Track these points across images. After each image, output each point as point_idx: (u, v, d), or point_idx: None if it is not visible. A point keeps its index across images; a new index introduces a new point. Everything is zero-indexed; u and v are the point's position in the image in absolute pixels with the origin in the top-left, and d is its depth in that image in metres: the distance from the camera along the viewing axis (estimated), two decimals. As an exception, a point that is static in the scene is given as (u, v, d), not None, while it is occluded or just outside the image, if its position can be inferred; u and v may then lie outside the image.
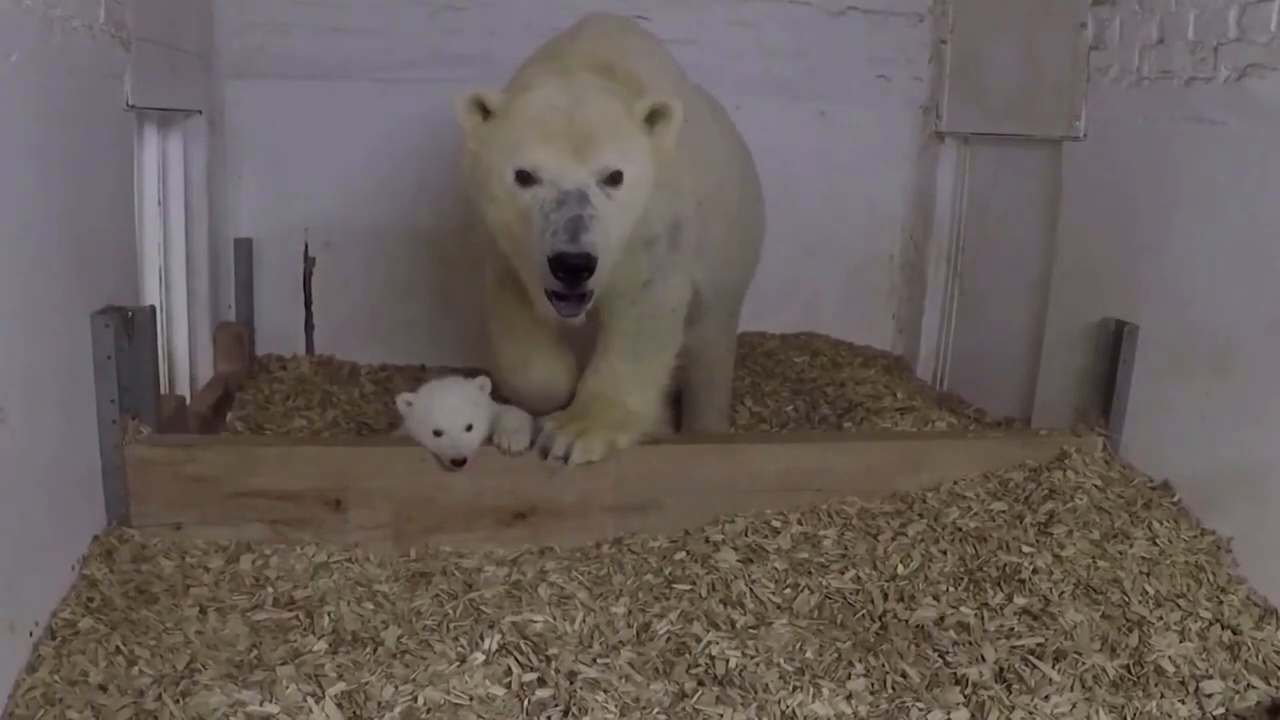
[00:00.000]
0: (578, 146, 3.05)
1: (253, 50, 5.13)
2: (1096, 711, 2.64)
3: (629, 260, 3.48)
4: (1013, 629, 2.95)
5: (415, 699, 2.55)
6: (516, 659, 2.74)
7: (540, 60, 3.46)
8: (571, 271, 2.98)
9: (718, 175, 3.81)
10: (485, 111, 3.17)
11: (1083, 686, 2.72)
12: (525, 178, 3.06)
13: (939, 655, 2.85)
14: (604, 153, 3.08)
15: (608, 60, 3.34)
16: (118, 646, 2.71)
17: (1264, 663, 2.85)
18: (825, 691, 2.67)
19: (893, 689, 2.72)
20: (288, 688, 2.53)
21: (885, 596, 3.14)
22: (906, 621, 3.02)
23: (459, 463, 3.36)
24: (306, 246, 5.47)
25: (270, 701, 2.49)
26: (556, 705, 2.58)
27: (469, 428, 3.37)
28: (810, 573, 3.26)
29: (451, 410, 3.38)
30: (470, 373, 3.68)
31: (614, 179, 3.10)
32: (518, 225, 3.13)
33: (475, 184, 3.23)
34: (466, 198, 3.38)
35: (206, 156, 4.71)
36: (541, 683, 2.67)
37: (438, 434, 3.37)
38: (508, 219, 3.16)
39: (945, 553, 3.34)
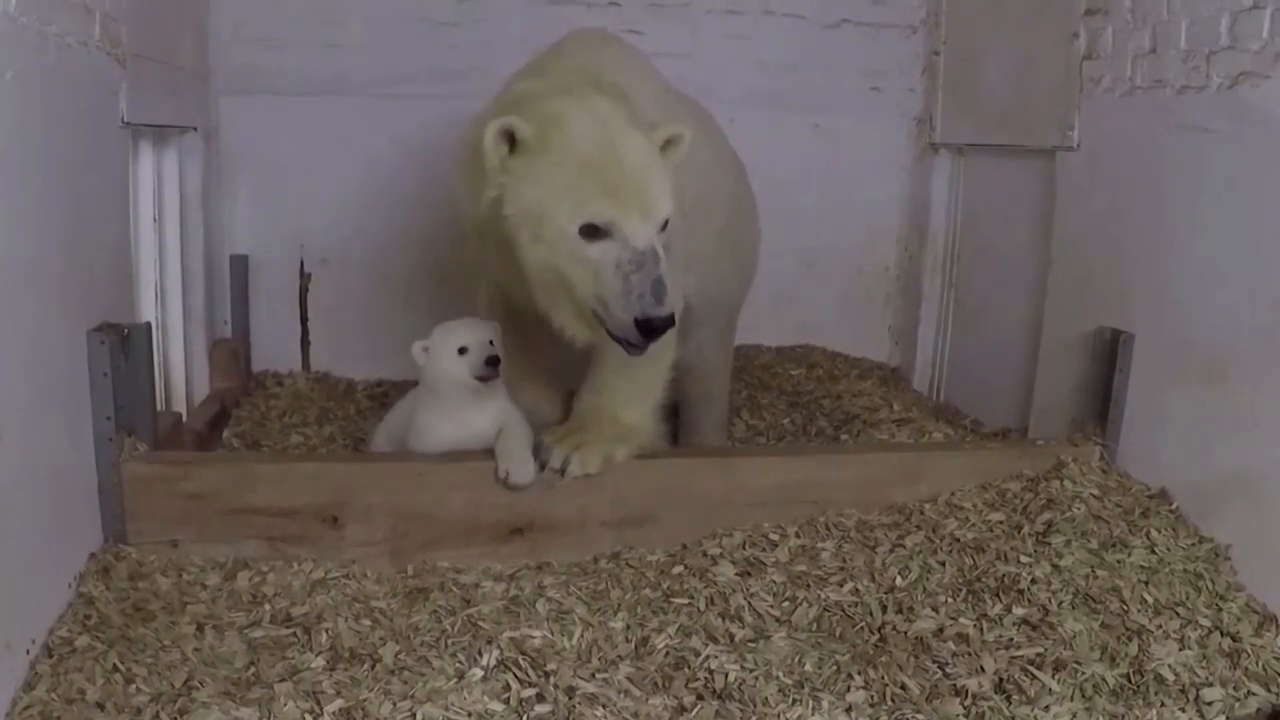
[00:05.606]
0: (640, 200, 3.04)
1: (248, 66, 5.14)
2: (1097, 721, 2.64)
3: None
4: (1012, 639, 2.95)
5: (414, 715, 2.53)
6: (515, 674, 2.73)
7: (526, 75, 3.46)
8: (658, 332, 3.03)
9: (703, 185, 3.81)
10: (512, 141, 3.08)
11: (1083, 696, 2.72)
12: (594, 231, 3.02)
13: (938, 666, 2.85)
14: (662, 205, 3.09)
15: (595, 75, 3.34)
16: (115, 664, 2.70)
17: (1264, 669, 2.85)
18: (825, 704, 2.66)
19: (892, 701, 2.71)
20: (285, 705, 2.52)
21: (884, 608, 3.14)
22: (905, 633, 3.01)
23: (493, 362, 3.38)
24: (302, 263, 5.47)
25: (269, 719, 2.48)
26: (555, 720, 2.58)
27: (490, 342, 3.42)
28: (808, 585, 3.25)
29: (471, 326, 3.47)
30: None
31: (664, 225, 3.12)
32: (579, 274, 3.07)
33: (511, 221, 3.11)
34: (481, 224, 3.27)
35: (202, 173, 4.71)
36: (540, 698, 2.66)
37: (463, 352, 3.40)
38: (563, 265, 3.08)
39: (943, 564, 3.34)
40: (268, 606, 3.11)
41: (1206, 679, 2.79)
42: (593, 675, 2.77)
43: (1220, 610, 3.08)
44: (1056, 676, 2.77)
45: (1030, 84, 4.56)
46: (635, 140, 3.10)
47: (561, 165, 3.03)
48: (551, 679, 2.72)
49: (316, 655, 2.82)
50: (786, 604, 3.17)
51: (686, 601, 3.18)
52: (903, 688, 2.76)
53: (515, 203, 3.08)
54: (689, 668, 2.83)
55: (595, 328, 3.18)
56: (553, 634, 2.94)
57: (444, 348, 3.45)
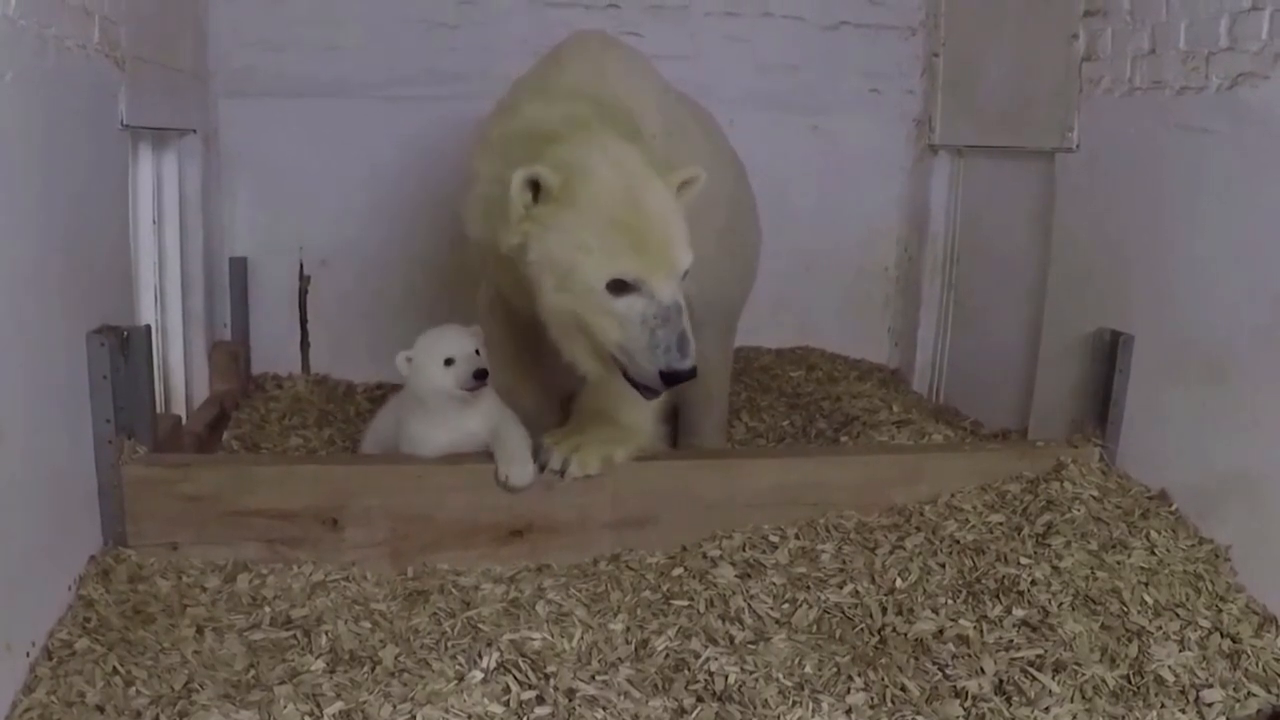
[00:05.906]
0: (666, 255, 3.09)
1: (247, 69, 5.14)
2: (1097, 722, 2.63)
3: None
4: (1012, 641, 2.95)
5: (413, 718, 2.54)
6: (515, 677, 2.73)
7: (532, 93, 3.46)
8: (679, 382, 3.13)
9: (703, 186, 3.81)
10: (536, 187, 3.09)
11: (1083, 697, 2.72)
12: (621, 286, 3.07)
13: (938, 668, 2.85)
14: (685, 258, 3.14)
15: (596, 91, 3.37)
16: (115, 667, 2.70)
17: (1264, 670, 2.85)
18: (825, 706, 2.66)
19: (892, 703, 2.71)
20: (285, 707, 2.53)
21: (884, 610, 3.14)
22: (905, 635, 3.01)
23: (481, 375, 3.35)
24: (302, 265, 5.47)
25: (268, 721, 2.48)
26: (555, 722, 2.58)
27: (476, 351, 3.40)
28: (808, 587, 3.25)
29: (457, 335, 3.42)
30: None
31: (684, 275, 3.17)
32: (603, 324, 3.12)
33: (535, 267, 3.14)
34: (505, 263, 3.28)
35: (201, 175, 4.71)
36: (540, 700, 2.66)
37: (449, 363, 3.36)
38: (587, 315, 3.13)
39: (943, 565, 3.33)
40: (267, 609, 3.10)
41: (1206, 680, 2.78)
42: (593, 677, 2.77)
43: (1220, 611, 3.07)
44: (1056, 678, 2.77)
45: (1029, 85, 4.56)
46: (658, 191, 3.15)
47: (589, 219, 3.07)
48: (551, 681, 2.72)
49: (316, 658, 2.82)
50: (786, 606, 3.17)
51: (686, 603, 3.18)
52: (903, 689, 2.76)
53: (540, 250, 3.12)
54: (689, 670, 2.83)
55: (611, 368, 3.22)
56: (552, 636, 2.94)
57: (429, 359, 3.40)
